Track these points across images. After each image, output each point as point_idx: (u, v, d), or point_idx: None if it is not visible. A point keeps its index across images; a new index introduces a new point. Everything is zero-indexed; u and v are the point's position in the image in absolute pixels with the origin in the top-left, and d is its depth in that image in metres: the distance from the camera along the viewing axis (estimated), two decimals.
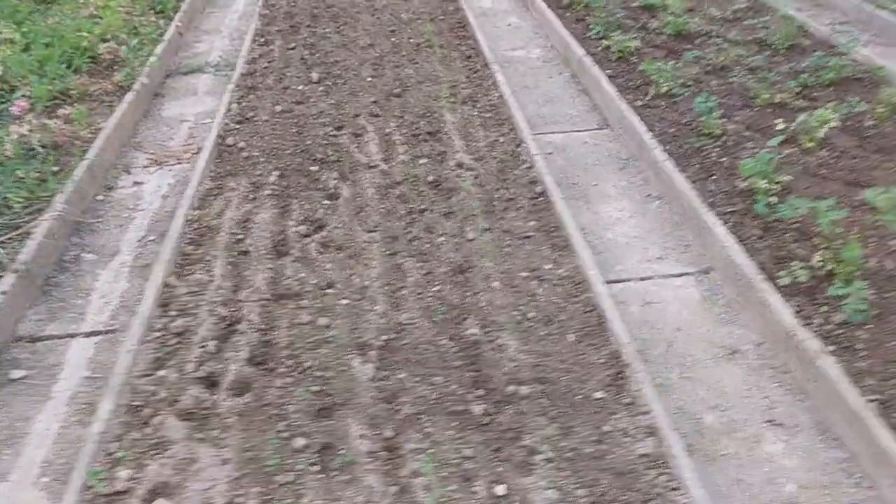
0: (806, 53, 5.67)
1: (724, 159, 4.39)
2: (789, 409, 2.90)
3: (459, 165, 4.44)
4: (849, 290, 3.11)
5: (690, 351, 3.20)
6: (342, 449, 2.53)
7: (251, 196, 4.05)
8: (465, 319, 3.16)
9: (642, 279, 3.67)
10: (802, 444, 2.75)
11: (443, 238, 3.73)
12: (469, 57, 6.11)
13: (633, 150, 4.77)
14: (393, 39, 6.45)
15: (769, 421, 2.85)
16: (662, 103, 5.16)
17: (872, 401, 2.72)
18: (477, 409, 2.67)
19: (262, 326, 3.07)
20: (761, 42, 6.14)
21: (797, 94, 5.18)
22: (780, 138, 4.25)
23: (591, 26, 6.57)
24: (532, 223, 3.89)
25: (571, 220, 3.81)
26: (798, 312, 3.18)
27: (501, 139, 4.78)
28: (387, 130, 4.83)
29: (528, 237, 3.78)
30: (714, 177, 4.25)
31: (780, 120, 4.65)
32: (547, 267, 3.54)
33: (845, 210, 3.45)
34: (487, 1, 7.92)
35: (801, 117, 4.53)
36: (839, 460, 2.68)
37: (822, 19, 6.95)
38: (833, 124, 4.45)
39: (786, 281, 3.32)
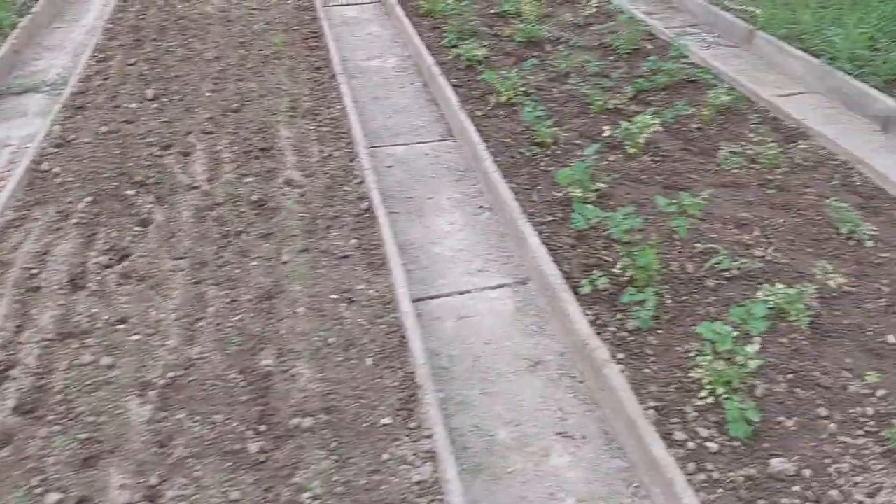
0: (648, 57, 5.80)
1: (552, 168, 4.43)
2: (581, 419, 2.92)
3: (288, 183, 4.33)
4: (642, 296, 3.16)
5: (496, 365, 3.19)
6: (99, 501, 2.38)
7: (56, 226, 3.83)
8: (261, 350, 3.05)
9: (461, 293, 3.65)
10: (588, 455, 2.77)
11: (255, 262, 3.61)
12: (318, 68, 5.99)
13: (470, 160, 4.77)
14: (241, 51, 6.28)
15: (560, 433, 2.86)
16: (502, 112, 5.19)
17: (650, 408, 2.77)
18: (253, 447, 2.57)
19: (39, 370, 2.88)
20: (607, 47, 6.26)
21: (630, 99, 5.30)
22: (597, 146, 4.32)
23: (445, 34, 6.56)
24: (353, 241, 3.82)
25: (391, 237, 3.76)
26: (594, 321, 3.21)
27: (336, 154, 4.69)
28: (217, 148, 4.67)
29: (346, 257, 3.71)
30: (539, 186, 4.28)
31: (608, 127, 4.74)
32: (359, 287, 3.47)
33: (640, 218, 3.51)
34: (353, 10, 7.82)
35: (626, 124, 4.62)
36: (620, 469, 2.71)
37: (673, 22, 7.17)
38: (656, 129, 4.55)
39: (587, 290, 3.35)
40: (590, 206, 3.61)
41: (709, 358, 2.77)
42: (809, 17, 5.93)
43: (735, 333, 2.76)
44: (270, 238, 3.84)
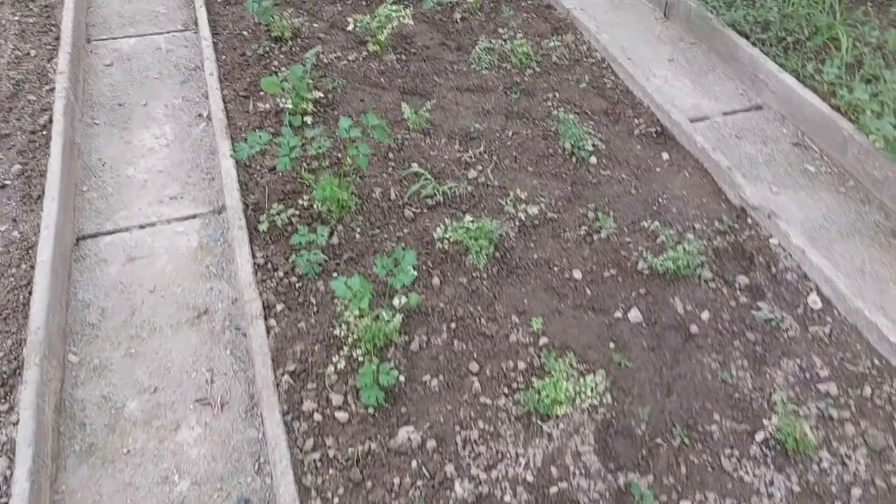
0: None
1: (284, 69, 3.88)
2: (229, 381, 2.61)
3: None
4: (312, 236, 2.79)
5: (154, 318, 2.81)
6: None
7: None
8: None
9: (142, 227, 3.20)
10: (223, 426, 2.48)
11: None
12: None
13: (202, 57, 4.15)
14: None
15: (199, 400, 2.55)
16: None
17: (288, 372, 2.48)
18: None
19: None
20: None
21: None
22: (318, 48, 3.79)
23: None
24: (17, 167, 3.25)
25: (58, 161, 3.20)
26: (264, 264, 2.86)
27: (35, 52, 3.97)
28: None
29: (2, 187, 3.15)
30: (263, 93, 3.75)
31: (357, 17, 4.17)
32: (1, 229, 2.95)
33: (329, 140, 3.08)
34: None
35: (367, 17, 4.06)
36: (253, 442, 2.44)
37: None
38: (405, 20, 4.01)
39: (265, 226, 2.96)
40: (287, 128, 3.14)
41: (355, 312, 2.46)
42: None
43: (390, 280, 2.44)
44: None
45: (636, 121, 3.63)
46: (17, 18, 4.26)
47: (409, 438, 2.30)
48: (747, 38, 3.93)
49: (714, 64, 4.10)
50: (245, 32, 4.23)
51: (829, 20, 3.92)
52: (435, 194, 3.14)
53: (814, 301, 2.70)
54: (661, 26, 4.49)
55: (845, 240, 3.07)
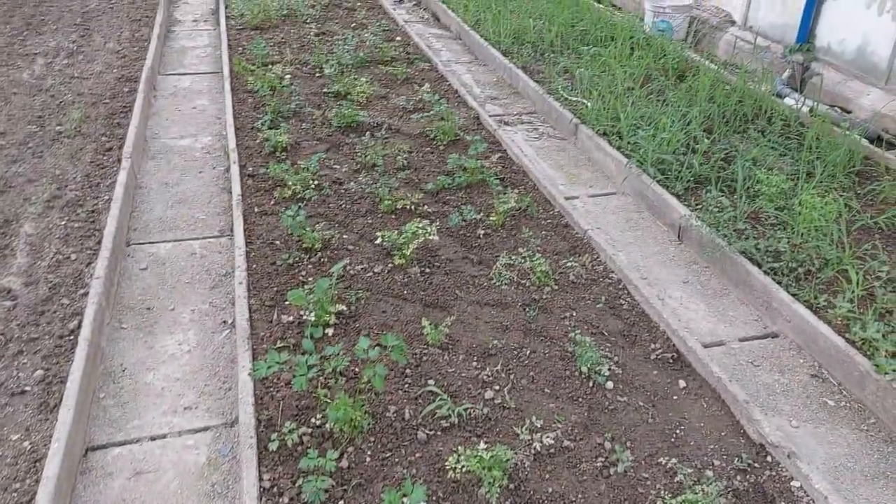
0: (467, 149, 5.52)
1: (311, 279, 4.04)
2: None
3: (0, 292, 3.80)
4: (321, 461, 2.75)
5: None
6: None
7: None
8: None
9: (153, 438, 3.18)
10: None
11: None
12: (109, 149, 5.52)
13: (234, 263, 4.34)
14: (32, 127, 5.75)
15: None
16: (286, 209, 4.80)
17: None
18: None
19: None
20: (428, 136, 5.99)
21: (432, 196, 4.99)
22: (346, 261, 3.96)
23: (262, 114, 6.21)
24: (39, 373, 3.32)
25: (80, 368, 3.26)
26: (271, 488, 2.79)
27: (75, 256, 4.19)
28: None
29: (22, 393, 3.20)
30: (289, 303, 3.87)
31: (384, 233, 4.40)
32: (13, 438, 2.96)
33: (348, 358, 3.13)
34: (187, 80, 7.41)
35: (395, 232, 4.28)
36: None
37: (513, 108, 6.99)
38: (430, 236, 4.21)
39: (275, 445, 2.93)
40: (307, 340, 3.22)
41: None
42: (622, 113, 5.79)
43: None
44: None
45: (652, 345, 3.67)
46: (63, 223, 4.55)
47: None
48: (759, 265, 4.04)
49: (728, 289, 4.20)
50: (277, 241, 4.46)
51: (838, 253, 4.04)
52: (450, 415, 3.12)
53: None
54: (676, 249, 4.66)
55: (870, 482, 2.95)
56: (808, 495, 2.80)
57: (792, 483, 2.87)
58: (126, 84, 6.90)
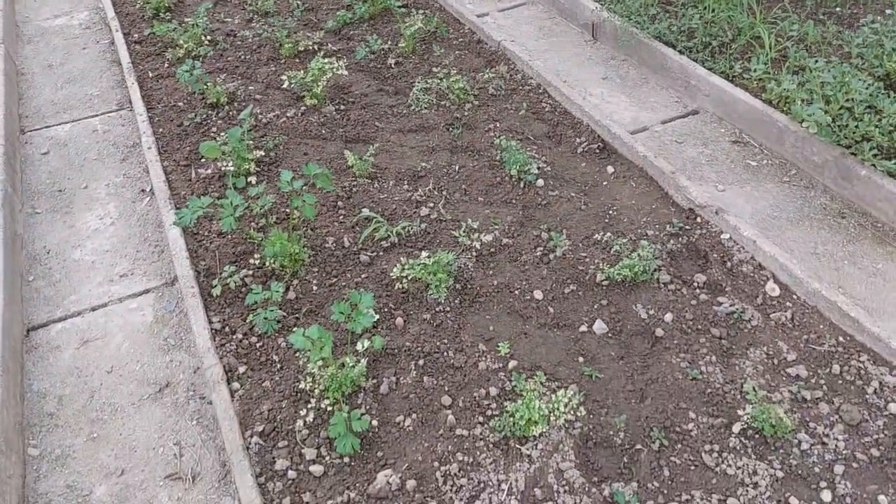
0: None
1: (224, 134, 3.87)
2: (199, 452, 2.52)
3: None
4: (267, 294, 2.75)
5: (114, 398, 2.72)
6: None
7: None
8: None
9: (95, 308, 3.11)
10: (196, 498, 2.40)
11: None
12: None
13: (139, 132, 4.12)
14: None
15: (170, 476, 2.46)
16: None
17: (257, 433, 2.41)
18: None
19: None
20: None
21: (334, 34, 4.74)
22: (251, 107, 3.80)
23: None
24: None
25: (1, 258, 3.11)
26: (222, 328, 2.80)
27: None
28: None
29: None
30: (205, 159, 3.73)
31: (290, 73, 4.20)
32: None
33: (272, 196, 3.05)
34: None
35: (301, 72, 4.09)
36: None
37: None
38: (339, 72, 4.04)
39: (218, 290, 2.91)
40: (231, 191, 3.12)
41: (318, 363, 2.40)
42: None
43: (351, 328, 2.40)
44: None
45: (578, 139, 3.68)
46: None
47: (388, 482, 2.23)
48: (674, 47, 4.03)
49: (646, 76, 4.20)
50: (180, 103, 4.23)
51: (750, 20, 4.05)
52: (389, 236, 3.13)
53: (772, 289, 2.72)
54: (592, 48, 4.60)
55: (795, 226, 3.11)
56: (737, 244, 2.94)
57: (722, 236, 3.00)
58: None
